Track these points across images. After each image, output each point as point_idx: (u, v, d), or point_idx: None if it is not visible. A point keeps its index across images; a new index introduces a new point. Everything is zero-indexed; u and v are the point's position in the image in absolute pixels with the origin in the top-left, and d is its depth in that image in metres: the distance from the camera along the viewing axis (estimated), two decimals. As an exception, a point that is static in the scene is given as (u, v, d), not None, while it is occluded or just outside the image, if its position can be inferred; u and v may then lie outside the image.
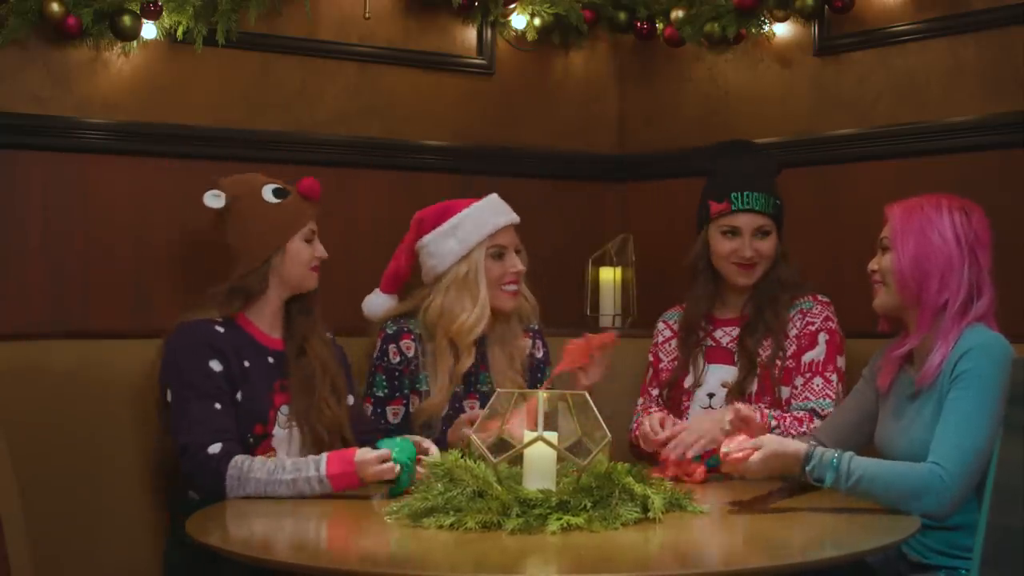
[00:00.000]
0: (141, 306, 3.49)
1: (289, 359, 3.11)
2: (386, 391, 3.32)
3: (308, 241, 3.12)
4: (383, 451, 2.77)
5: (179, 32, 3.44)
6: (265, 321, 3.12)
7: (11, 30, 3.26)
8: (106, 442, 3.18)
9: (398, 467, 2.74)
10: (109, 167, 3.47)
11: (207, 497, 2.85)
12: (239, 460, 2.84)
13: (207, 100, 3.60)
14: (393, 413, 3.34)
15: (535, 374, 3.44)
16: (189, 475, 2.91)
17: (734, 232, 3.26)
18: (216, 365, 2.99)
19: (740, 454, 2.67)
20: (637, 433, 3.23)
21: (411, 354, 3.33)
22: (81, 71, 3.42)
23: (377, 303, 3.43)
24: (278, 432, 3.05)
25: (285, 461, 2.84)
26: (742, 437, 2.72)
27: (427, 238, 3.34)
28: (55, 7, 3.28)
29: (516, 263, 3.33)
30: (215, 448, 2.86)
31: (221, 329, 3.05)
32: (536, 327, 3.47)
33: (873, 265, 2.84)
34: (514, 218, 3.36)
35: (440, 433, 3.25)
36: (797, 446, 2.67)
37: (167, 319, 3.45)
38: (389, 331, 3.34)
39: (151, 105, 3.51)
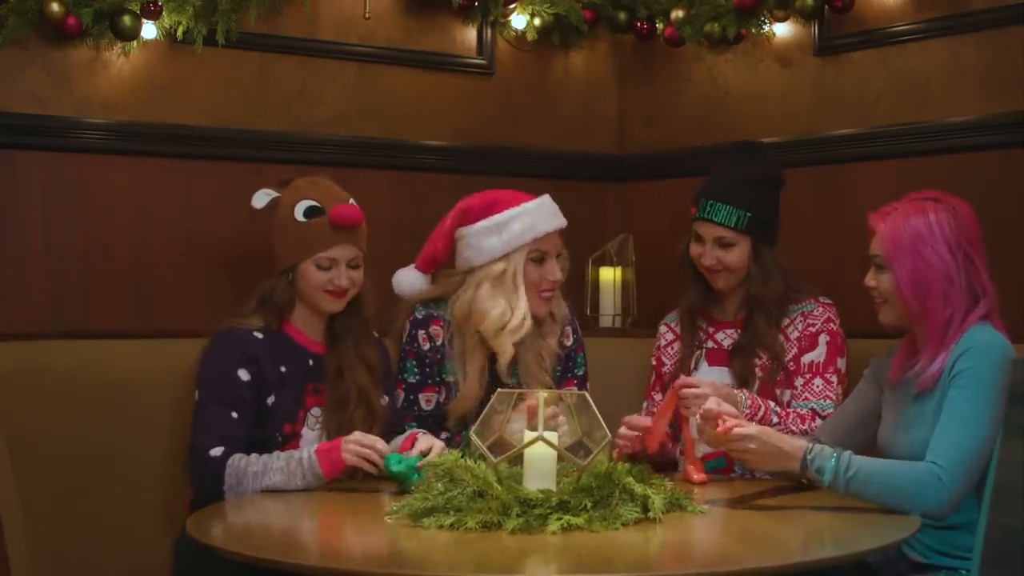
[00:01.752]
0: (141, 306, 3.49)
1: (328, 373, 3.09)
2: (417, 377, 3.27)
3: (324, 268, 3.05)
4: (372, 438, 2.82)
5: (179, 32, 3.43)
6: (308, 327, 3.12)
7: (11, 30, 3.25)
8: (106, 442, 3.18)
9: (379, 459, 2.80)
10: (109, 167, 3.47)
11: (205, 497, 2.87)
12: (236, 458, 2.87)
13: (207, 100, 3.60)
14: (426, 400, 3.28)
15: (567, 362, 3.38)
16: (191, 474, 2.95)
17: (701, 238, 3.27)
18: (244, 374, 2.99)
19: (731, 422, 2.68)
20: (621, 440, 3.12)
21: (439, 341, 3.27)
22: (81, 71, 3.42)
23: (408, 281, 3.34)
24: (307, 433, 3.05)
25: (280, 453, 2.87)
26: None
27: (469, 229, 3.24)
28: (55, 7, 3.28)
29: (555, 271, 3.23)
30: (216, 451, 2.88)
31: (260, 335, 3.05)
32: (567, 311, 3.39)
33: (870, 282, 2.83)
34: (563, 222, 3.27)
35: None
36: (797, 442, 2.68)
37: (167, 319, 3.48)
38: (419, 315, 3.29)
39: (151, 105, 3.51)
